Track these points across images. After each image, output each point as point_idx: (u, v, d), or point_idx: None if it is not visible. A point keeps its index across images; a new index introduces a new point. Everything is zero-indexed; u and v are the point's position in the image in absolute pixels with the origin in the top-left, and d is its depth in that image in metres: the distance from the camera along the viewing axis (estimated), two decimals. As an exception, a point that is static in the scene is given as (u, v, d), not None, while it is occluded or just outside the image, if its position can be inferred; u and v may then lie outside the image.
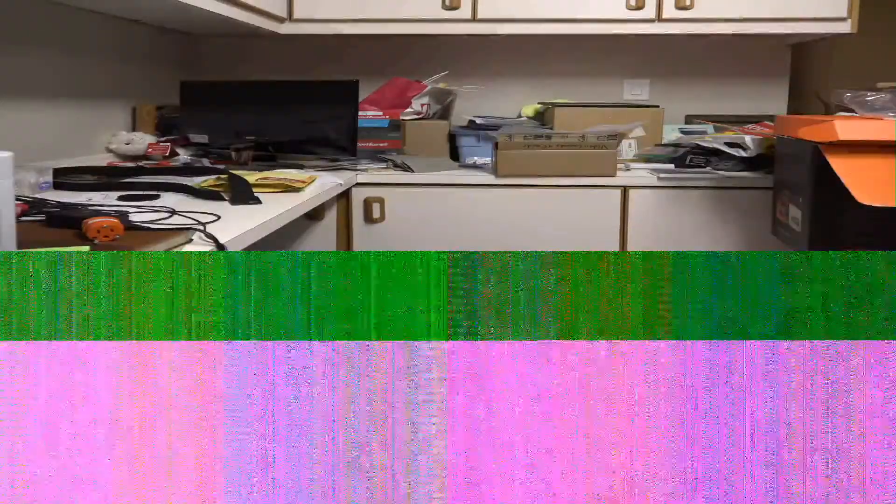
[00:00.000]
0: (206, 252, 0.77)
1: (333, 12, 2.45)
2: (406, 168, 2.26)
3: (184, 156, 2.24)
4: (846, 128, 1.61)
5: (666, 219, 2.19)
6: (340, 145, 2.26)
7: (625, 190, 2.20)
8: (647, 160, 2.40)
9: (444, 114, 2.72)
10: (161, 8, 2.05)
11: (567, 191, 2.19)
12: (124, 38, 2.33)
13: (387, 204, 2.21)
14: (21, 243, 0.88)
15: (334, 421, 0.76)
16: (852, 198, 1.56)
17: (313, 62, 2.81)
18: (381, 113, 2.43)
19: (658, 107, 2.52)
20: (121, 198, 1.50)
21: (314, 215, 2.19)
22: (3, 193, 0.83)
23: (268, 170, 1.98)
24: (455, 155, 2.47)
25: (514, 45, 2.77)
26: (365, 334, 0.76)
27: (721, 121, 2.58)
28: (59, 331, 0.75)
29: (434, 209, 2.21)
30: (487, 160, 2.33)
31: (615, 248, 2.20)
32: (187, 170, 1.92)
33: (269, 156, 2.24)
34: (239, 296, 0.76)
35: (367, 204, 2.21)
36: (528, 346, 0.77)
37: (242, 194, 1.53)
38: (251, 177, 1.71)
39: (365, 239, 2.23)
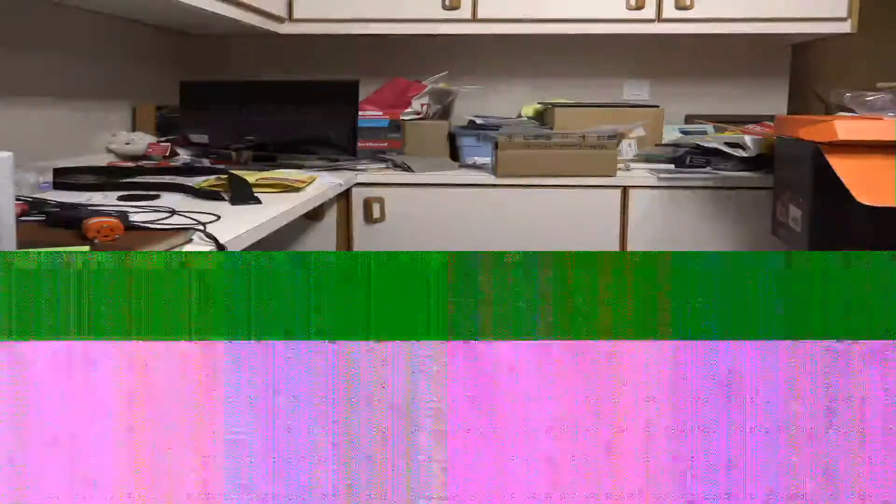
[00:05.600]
0: (206, 252, 0.77)
1: (333, 12, 2.45)
2: (406, 168, 2.25)
3: (184, 156, 2.23)
4: (846, 128, 1.61)
5: (666, 219, 2.19)
6: (340, 145, 2.26)
7: (625, 190, 2.19)
8: (647, 160, 2.40)
9: (444, 114, 2.72)
10: (161, 8, 2.05)
11: (567, 191, 2.19)
12: (124, 38, 2.33)
13: (387, 204, 2.21)
14: (21, 243, 0.88)
15: (334, 422, 0.76)
16: (852, 198, 1.56)
17: (313, 62, 2.81)
18: (381, 113, 2.43)
19: (658, 107, 2.51)
20: (121, 198, 1.50)
21: (314, 215, 2.19)
22: (3, 193, 0.83)
23: (268, 170, 1.98)
24: (455, 155, 2.46)
25: (514, 45, 2.77)
26: (365, 334, 0.76)
27: (721, 121, 2.58)
28: (59, 331, 0.75)
29: (434, 209, 2.20)
30: (487, 160, 2.33)
31: (615, 248, 2.20)
32: (187, 170, 1.92)
33: (269, 156, 2.24)
34: (239, 296, 0.76)
35: (367, 204, 2.21)
36: (528, 346, 0.77)
37: (242, 194, 1.53)
38: (251, 177, 1.71)
39: (365, 239, 2.23)
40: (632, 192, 2.19)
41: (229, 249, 1.15)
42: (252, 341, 0.76)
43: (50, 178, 1.62)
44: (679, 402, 0.77)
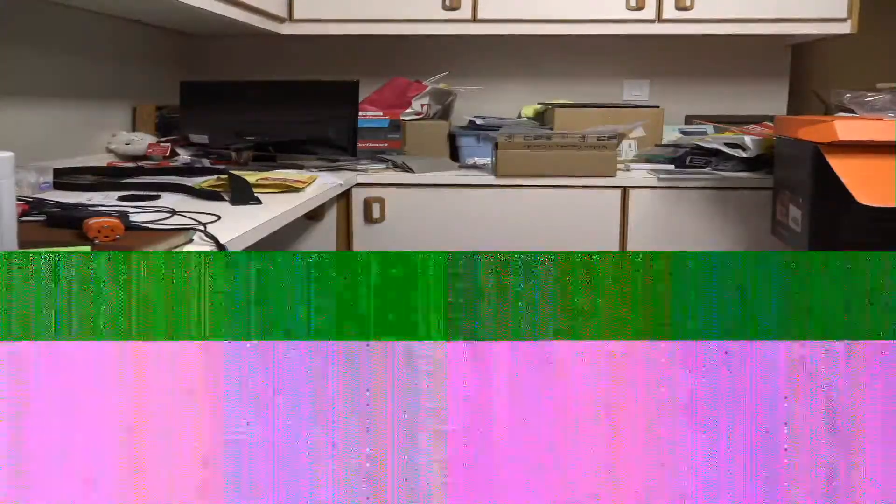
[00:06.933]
0: (206, 252, 0.77)
1: (333, 12, 2.45)
2: (406, 168, 2.26)
3: (184, 156, 2.23)
4: (846, 128, 1.61)
5: (666, 219, 2.19)
6: (340, 145, 2.26)
7: (625, 190, 2.19)
8: (647, 160, 2.40)
9: (444, 114, 2.72)
10: (161, 8, 2.05)
11: (567, 191, 2.19)
12: (124, 38, 2.33)
13: (387, 204, 2.21)
14: (21, 243, 0.88)
15: (334, 421, 0.76)
16: (852, 198, 1.56)
17: (313, 62, 2.81)
18: (381, 113, 2.43)
19: (658, 107, 2.51)
20: (121, 198, 1.50)
21: (314, 215, 2.19)
22: (3, 193, 0.83)
23: (268, 170, 1.98)
24: (455, 155, 2.46)
25: (514, 45, 2.77)
26: (365, 334, 0.76)
27: (721, 121, 2.58)
28: (59, 331, 0.75)
29: (434, 209, 2.21)
30: (487, 160, 2.33)
31: (615, 248, 2.20)
32: (187, 170, 1.92)
33: (269, 156, 2.24)
34: (239, 296, 0.76)
35: (367, 204, 2.21)
36: (528, 346, 0.77)
37: (242, 194, 1.53)
38: (251, 177, 1.71)
39: (365, 239, 2.23)
40: (632, 193, 2.19)
41: (230, 249, 1.15)
42: (252, 341, 0.76)
43: (50, 178, 1.62)
44: (679, 401, 0.77)
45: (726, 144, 2.25)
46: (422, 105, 2.51)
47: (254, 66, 2.82)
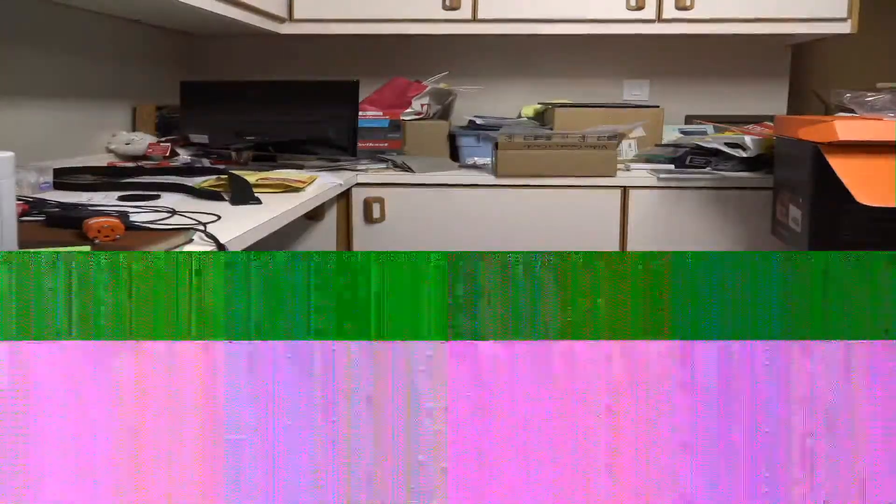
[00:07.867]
0: (206, 252, 0.77)
1: (333, 12, 2.45)
2: (406, 168, 2.26)
3: (184, 156, 2.23)
4: (846, 128, 1.61)
5: (666, 219, 2.19)
6: (340, 145, 2.26)
7: (625, 190, 2.20)
8: (647, 160, 2.40)
9: (444, 114, 2.72)
10: (161, 8, 2.05)
11: (567, 191, 2.19)
12: (124, 38, 2.33)
13: (387, 204, 2.21)
14: (21, 243, 0.88)
15: (334, 422, 0.76)
16: (852, 198, 1.56)
17: (313, 62, 2.81)
18: (381, 113, 2.43)
19: (658, 107, 2.51)
20: (121, 198, 1.50)
21: (314, 215, 2.19)
22: (3, 193, 0.83)
23: (268, 170, 1.98)
24: (455, 155, 2.46)
25: (514, 45, 2.77)
26: (365, 334, 0.76)
27: (721, 121, 2.58)
28: (59, 331, 0.75)
29: (434, 209, 2.21)
30: (487, 160, 2.33)
31: (615, 248, 2.20)
32: (187, 170, 1.92)
33: (269, 156, 2.24)
34: (239, 296, 0.76)
35: (367, 204, 2.21)
36: (528, 346, 0.77)
37: (243, 194, 1.53)
38: (251, 177, 1.71)
39: (365, 239, 2.23)
40: (632, 193, 2.19)
41: (230, 249, 1.15)
42: (252, 341, 0.76)
43: (50, 178, 1.62)
44: (678, 402, 0.77)
45: (726, 144, 2.25)
46: (422, 105, 2.51)
47: (254, 66, 2.82)
